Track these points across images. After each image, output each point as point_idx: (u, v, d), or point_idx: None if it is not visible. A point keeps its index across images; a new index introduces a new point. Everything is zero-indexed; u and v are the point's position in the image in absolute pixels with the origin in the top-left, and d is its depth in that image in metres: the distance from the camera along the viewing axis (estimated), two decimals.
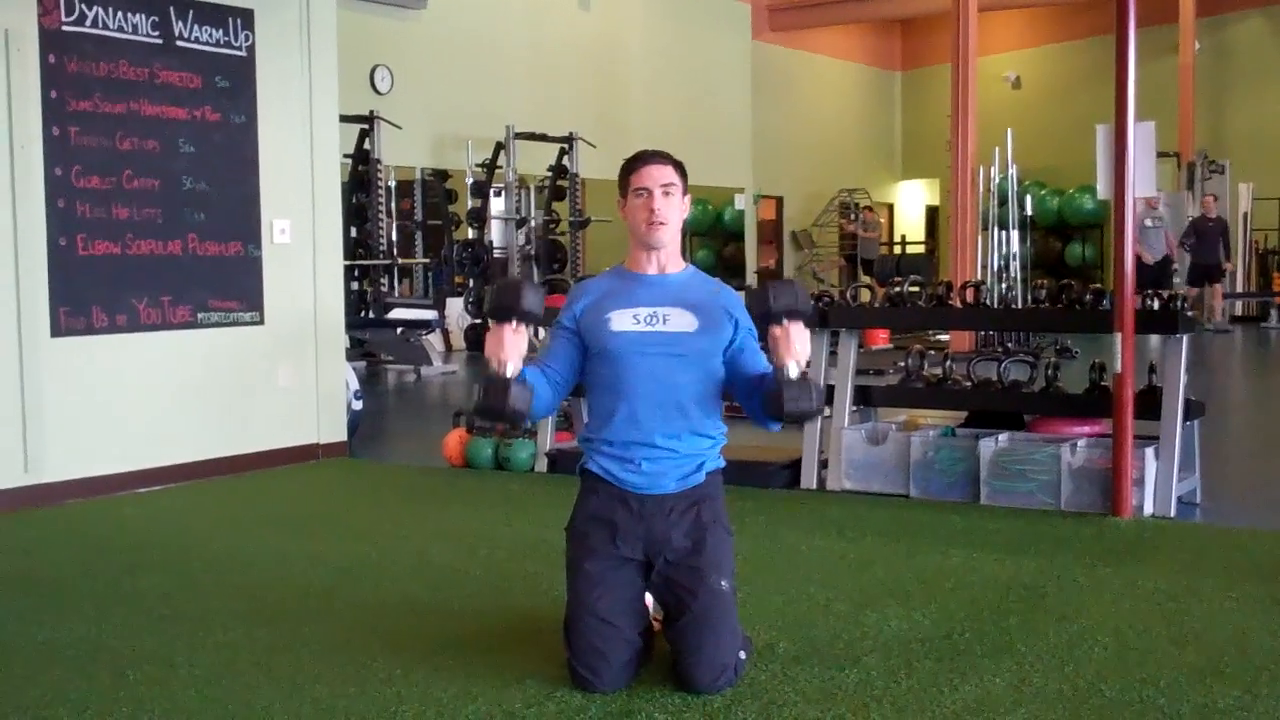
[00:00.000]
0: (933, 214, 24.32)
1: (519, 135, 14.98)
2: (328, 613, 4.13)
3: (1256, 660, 3.47)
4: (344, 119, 8.08)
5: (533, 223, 15.51)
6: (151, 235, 6.36)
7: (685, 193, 3.48)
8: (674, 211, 3.43)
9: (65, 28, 6.00)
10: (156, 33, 6.35)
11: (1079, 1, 20.06)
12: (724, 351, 3.45)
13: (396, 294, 14.56)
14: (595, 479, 3.45)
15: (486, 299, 3.37)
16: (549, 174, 15.46)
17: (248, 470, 6.75)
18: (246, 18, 6.72)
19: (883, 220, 23.46)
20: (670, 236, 3.44)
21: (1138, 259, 15.46)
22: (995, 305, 10.55)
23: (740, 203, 20.41)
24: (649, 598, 3.46)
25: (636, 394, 3.38)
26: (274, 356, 6.94)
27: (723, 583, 3.33)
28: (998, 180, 13.70)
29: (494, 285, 3.44)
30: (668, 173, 3.43)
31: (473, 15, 15.82)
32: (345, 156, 12.55)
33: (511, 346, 3.28)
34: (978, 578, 4.42)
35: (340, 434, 7.31)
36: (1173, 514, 5.39)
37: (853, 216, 21.93)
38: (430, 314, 13.27)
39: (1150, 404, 5.51)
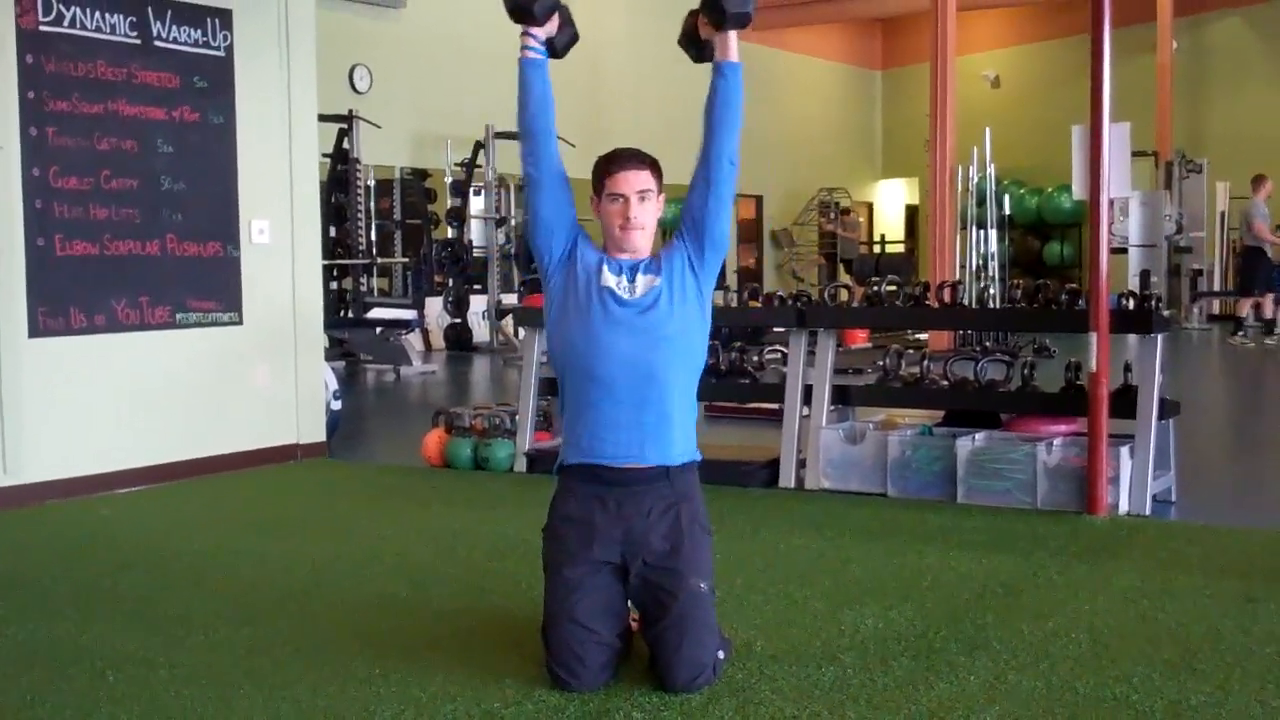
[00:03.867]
0: (912, 213, 24.38)
1: (499, 134, 14.95)
2: (307, 613, 4.13)
3: (1229, 657, 3.51)
4: (323, 118, 8.09)
5: (512, 222, 15.51)
6: (130, 235, 6.35)
7: (661, 192, 3.46)
8: (650, 215, 3.43)
9: (43, 28, 5.99)
10: (135, 33, 6.34)
11: (1058, 1, 20.13)
12: (688, 222, 3.48)
13: (375, 294, 14.56)
14: (573, 476, 3.46)
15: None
16: None
17: (227, 471, 6.74)
18: (225, 18, 6.72)
19: (862, 219, 23.52)
20: (645, 240, 3.45)
21: (1260, 252, 15.38)
22: (972, 305, 10.62)
23: None
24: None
25: (613, 396, 3.36)
26: (253, 357, 6.94)
27: (701, 584, 3.34)
28: (976, 179, 13.76)
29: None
30: (644, 178, 3.40)
31: (452, 14, 15.81)
32: (324, 156, 12.51)
33: None
34: (954, 576, 4.45)
35: (319, 434, 7.31)
36: (1147, 512, 5.43)
37: (832, 215, 21.97)
38: (409, 314, 13.27)
39: (1126, 403, 5.55)
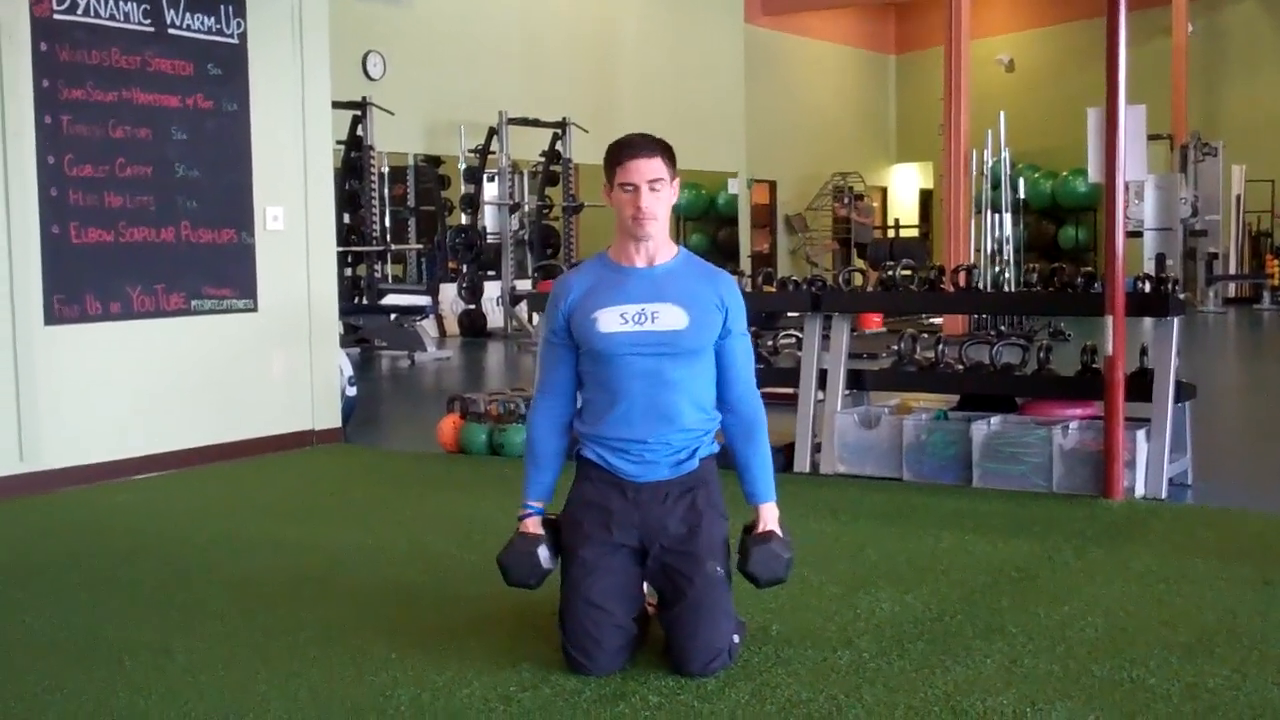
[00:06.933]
0: (926, 197, 24.33)
1: (512, 120, 14.97)
2: (323, 599, 4.14)
3: (1246, 640, 3.50)
4: (336, 105, 8.08)
5: (526, 208, 15.52)
6: (144, 223, 6.36)
7: (674, 179, 3.39)
8: (662, 205, 3.35)
9: (57, 16, 5.99)
10: (148, 21, 6.34)
11: None
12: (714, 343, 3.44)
13: (390, 280, 14.57)
14: (591, 465, 3.46)
15: (503, 573, 3.45)
16: (542, 159, 15.46)
17: (242, 457, 6.76)
18: (238, 5, 6.71)
19: (876, 204, 23.47)
20: (659, 229, 3.38)
21: None
22: (987, 289, 10.60)
23: (734, 187, 20.40)
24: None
25: (628, 395, 3.36)
26: (268, 343, 6.95)
27: (718, 568, 3.36)
28: (991, 163, 13.72)
29: (503, 565, 3.45)
30: (655, 166, 3.32)
31: (465, 0, 15.79)
32: (338, 143, 12.53)
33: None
34: (970, 560, 4.45)
35: (334, 420, 7.32)
36: (1164, 495, 5.42)
37: (846, 200, 21.93)
38: (424, 300, 13.28)
39: (1142, 386, 5.53)
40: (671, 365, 3.35)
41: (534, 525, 3.47)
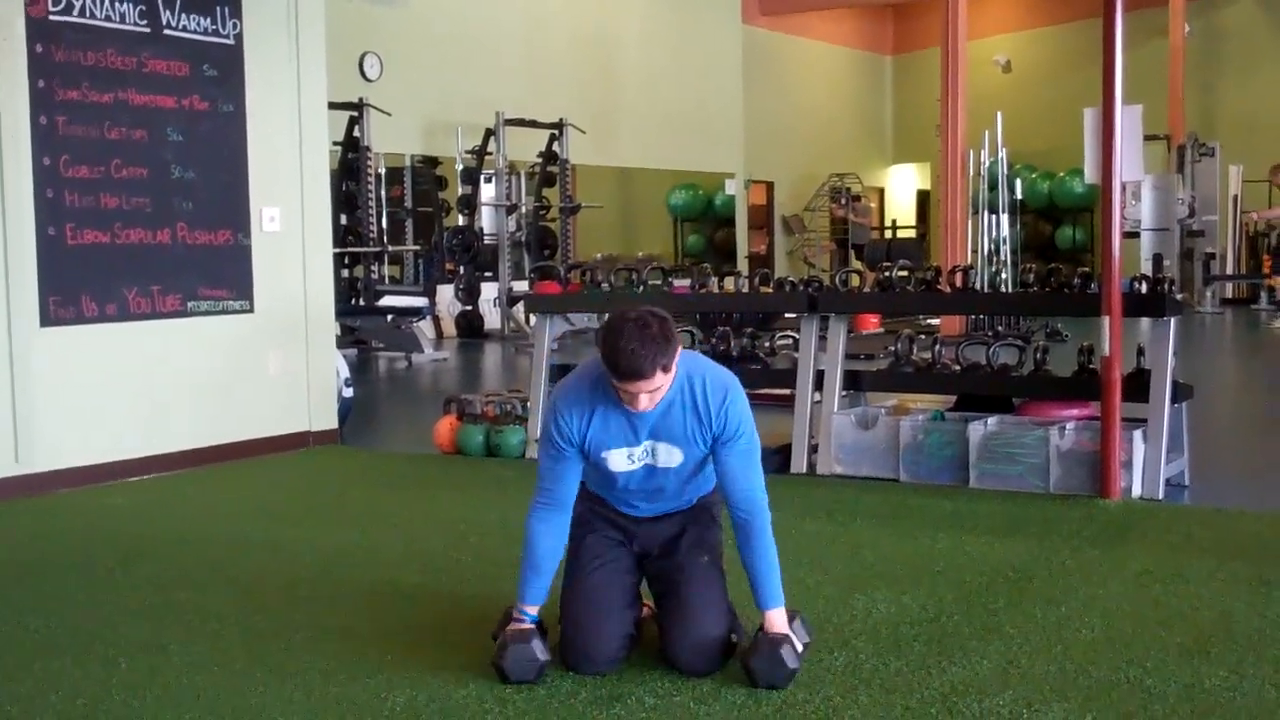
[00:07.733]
0: (924, 198, 24.32)
1: (509, 121, 14.96)
2: (319, 600, 4.14)
3: (1243, 641, 3.50)
4: (333, 106, 8.06)
5: (523, 209, 15.50)
6: (140, 224, 6.36)
7: (674, 364, 3.20)
8: (662, 393, 3.24)
9: (52, 17, 5.98)
10: (144, 21, 6.34)
11: None
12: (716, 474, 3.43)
13: (387, 281, 14.56)
14: (597, 498, 3.55)
15: (501, 676, 3.28)
16: (539, 160, 15.45)
17: (239, 459, 6.75)
18: (234, 6, 6.71)
19: (873, 205, 23.46)
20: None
21: None
22: (984, 289, 10.60)
23: (731, 188, 20.37)
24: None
25: (629, 500, 3.48)
26: (264, 345, 6.94)
27: (704, 557, 3.43)
28: (988, 164, 13.72)
29: (501, 669, 3.28)
30: (654, 381, 3.16)
31: (461, 0, 15.78)
32: (334, 144, 12.52)
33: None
34: (967, 561, 4.44)
35: (331, 422, 7.32)
36: (1160, 496, 5.41)
37: (843, 201, 21.93)
38: (421, 301, 13.27)
39: (1139, 387, 5.53)
40: (671, 482, 3.43)
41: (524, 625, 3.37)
